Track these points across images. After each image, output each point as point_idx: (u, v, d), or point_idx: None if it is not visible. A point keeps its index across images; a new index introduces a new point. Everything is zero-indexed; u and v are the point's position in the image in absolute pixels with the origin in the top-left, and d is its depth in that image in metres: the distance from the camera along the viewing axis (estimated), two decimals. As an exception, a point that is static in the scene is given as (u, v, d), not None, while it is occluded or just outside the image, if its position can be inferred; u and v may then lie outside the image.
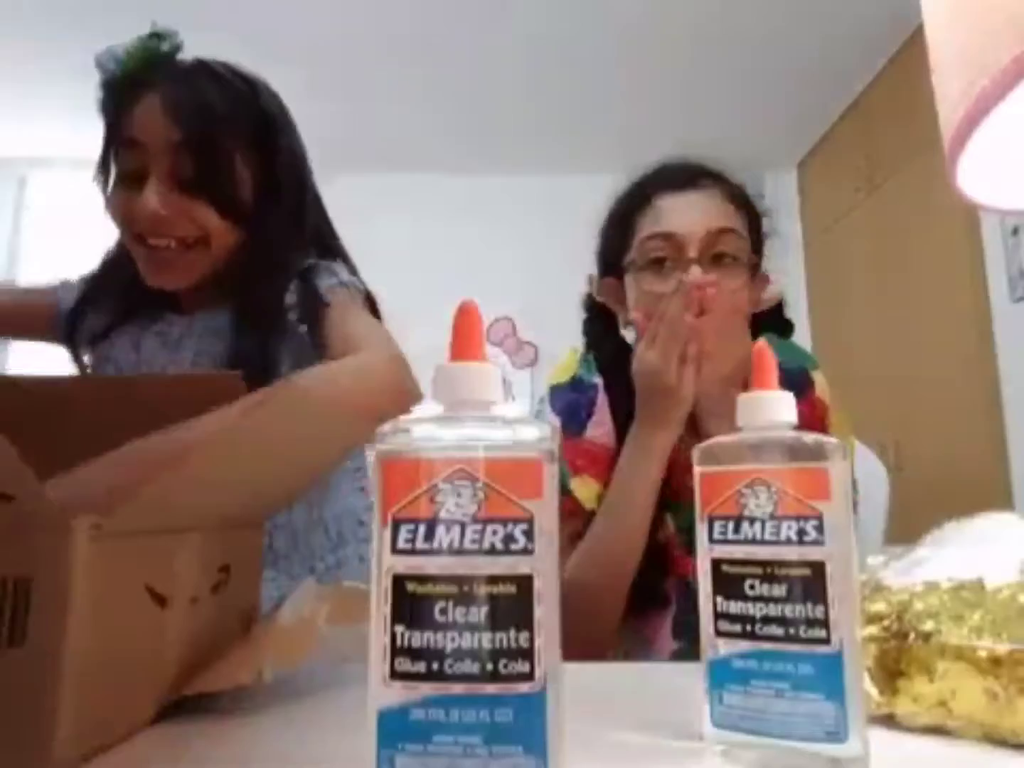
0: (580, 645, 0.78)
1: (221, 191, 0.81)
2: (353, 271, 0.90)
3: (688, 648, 0.80)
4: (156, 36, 0.84)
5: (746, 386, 0.82)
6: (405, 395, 0.72)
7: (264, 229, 0.85)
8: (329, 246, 0.93)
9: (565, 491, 0.81)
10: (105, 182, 0.85)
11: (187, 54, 0.86)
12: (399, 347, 0.78)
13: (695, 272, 0.78)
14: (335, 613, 0.49)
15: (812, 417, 0.84)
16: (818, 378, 0.89)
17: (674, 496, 0.82)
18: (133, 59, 0.83)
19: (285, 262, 0.86)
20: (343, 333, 0.78)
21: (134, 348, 0.88)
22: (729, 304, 0.79)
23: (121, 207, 0.82)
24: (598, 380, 0.89)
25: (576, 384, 0.89)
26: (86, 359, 0.91)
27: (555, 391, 0.90)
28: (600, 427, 0.85)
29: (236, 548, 0.53)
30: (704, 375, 0.76)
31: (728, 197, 0.83)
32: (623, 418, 0.83)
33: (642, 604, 0.83)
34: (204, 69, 0.84)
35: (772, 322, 0.90)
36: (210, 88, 0.82)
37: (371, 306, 0.88)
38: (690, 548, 0.81)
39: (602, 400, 0.87)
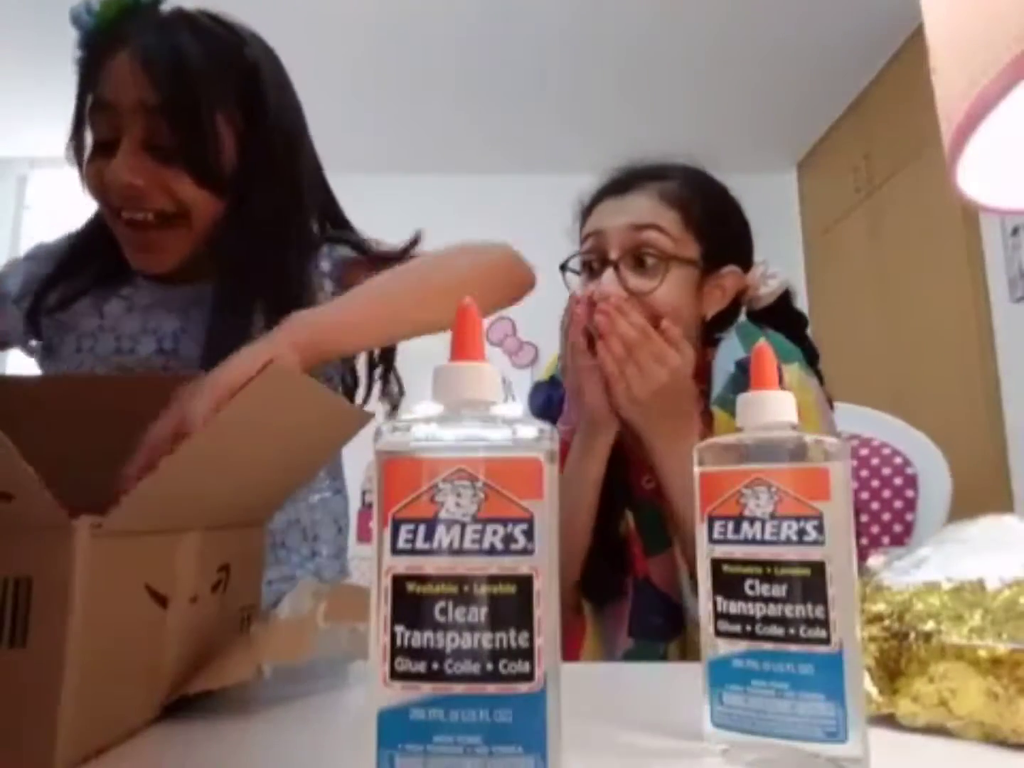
0: None
1: (198, 158, 0.72)
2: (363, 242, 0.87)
3: (639, 647, 0.80)
4: None
5: (700, 385, 0.80)
6: (524, 275, 0.75)
7: (250, 196, 0.76)
8: (337, 216, 0.88)
9: None
10: (79, 153, 0.76)
11: None
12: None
13: (605, 279, 0.80)
14: (332, 610, 0.50)
15: None
16: (790, 374, 0.81)
17: (634, 492, 0.84)
18: (110, 9, 0.73)
19: (280, 233, 0.78)
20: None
21: (96, 312, 0.80)
22: (642, 315, 0.77)
23: (94, 178, 0.74)
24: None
25: (553, 382, 0.94)
26: (43, 332, 0.83)
27: (536, 388, 0.96)
28: (566, 423, 0.87)
29: (236, 547, 0.53)
30: (620, 394, 0.76)
31: (660, 196, 0.82)
32: None
33: (601, 598, 0.84)
34: (183, 19, 0.75)
35: (778, 316, 0.88)
36: (189, 40, 0.73)
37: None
38: (646, 548, 0.83)
39: (567, 400, 0.90)
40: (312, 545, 0.87)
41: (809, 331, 0.92)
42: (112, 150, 0.72)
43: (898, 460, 1.10)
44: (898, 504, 1.06)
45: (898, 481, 1.08)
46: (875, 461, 1.10)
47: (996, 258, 2.28)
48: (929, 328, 2.52)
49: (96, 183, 0.74)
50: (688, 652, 0.79)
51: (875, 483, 1.08)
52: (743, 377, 0.75)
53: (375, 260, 0.81)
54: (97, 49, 0.74)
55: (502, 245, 0.79)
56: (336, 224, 0.88)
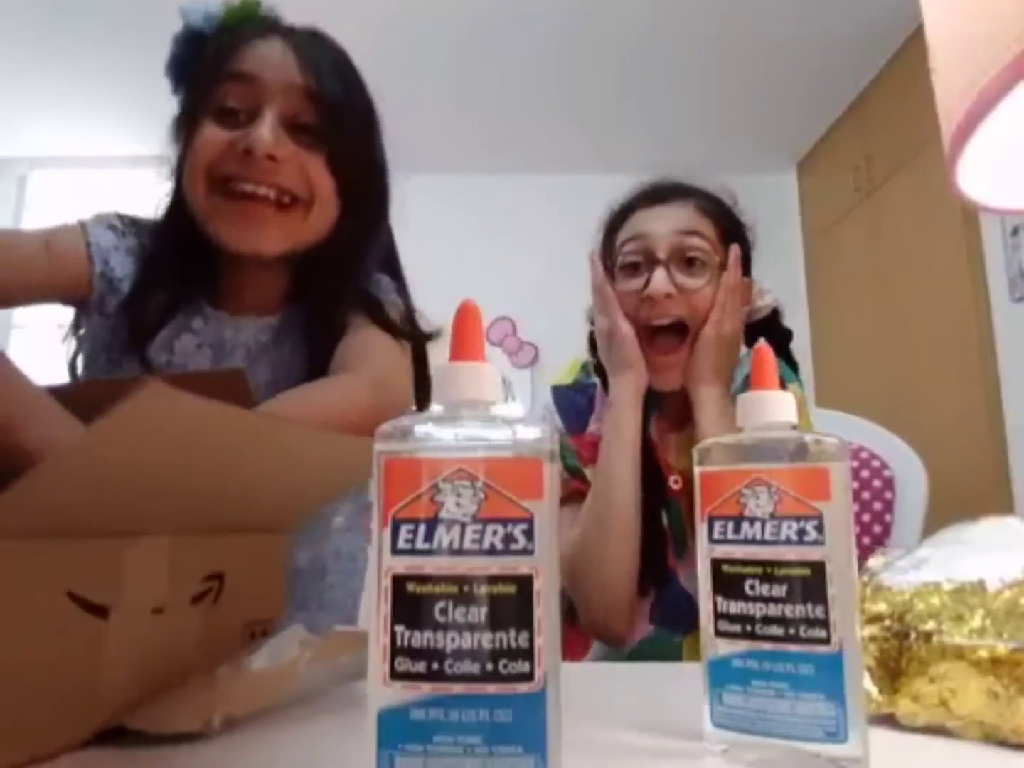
0: (599, 615, 0.80)
1: (342, 150, 0.72)
2: (402, 287, 0.86)
3: (658, 634, 0.85)
4: (251, 1, 0.76)
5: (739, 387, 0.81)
6: (378, 417, 0.68)
7: (353, 225, 0.77)
8: (390, 258, 0.88)
9: (585, 479, 0.89)
10: (184, 132, 0.74)
11: None
12: (398, 376, 0.75)
13: (657, 276, 0.85)
14: (318, 655, 0.47)
15: None
16: (796, 393, 0.88)
17: (667, 493, 0.88)
18: (234, 13, 0.74)
19: (363, 266, 0.79)
20: (348, 351, 0.74)
21: (167, 348, 0.77)
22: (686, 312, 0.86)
23: (214, 144, 0.70)
24: (595, 379, 0.97)
25: (577, 386, 0.98)
26: (112, 339, 0.78)
27: (558, 391, 0.98)
28: (598, 422, 0.92)
29: (235, 554, 0.50)
30: (712, 323, 0.84)
31: (698, 209, 0.90)
32: None
33: (658, 582, 0.87)
34: (324, 36, 0.78)
35: (768, 332, 0.93)
36: (338, 52, 0.77)
37: (411, 324, 0.82)
38: (675, 549, 0.87)
39: (600, 397, 0.94)
40: (327, 584, 0.87)
41: (808, 334, 0.96)
42: (238, 120, 0.70)
43: (876, 463, 1.13)
44: (877, 505, 1.10)
45: (877, 483, 1.12)
46: (854, 464, 1.13)
47: (996, 258, 2.28)
48: (929, 328, 2.52)
49: (216, 150, 0.70)
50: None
51: (854, 485, 1.11)
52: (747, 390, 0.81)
53: (374, 315, 0.79)
54: (237, 32, 0.73)
55: (369, 388, 0.70)
56: (386, 264, 0.88)
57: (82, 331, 0.79)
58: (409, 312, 0.84)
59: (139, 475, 0.39)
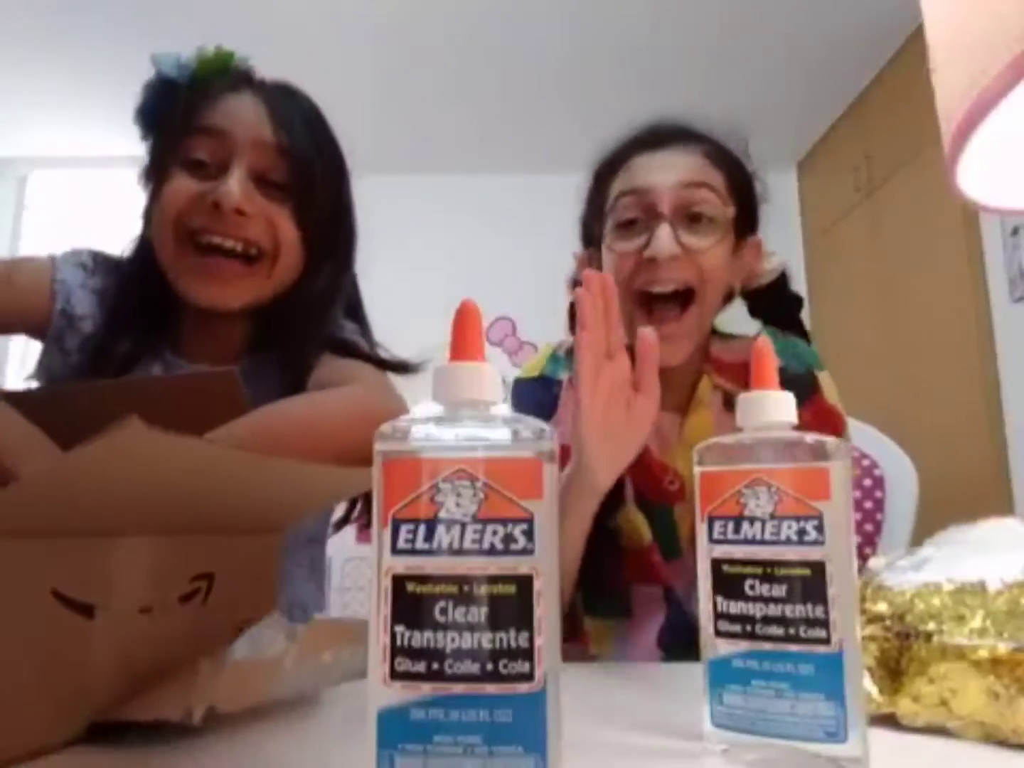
0: None
1: (309, 204, 0.73)
2: (370, 340, 0.86)
3: (667, 661, 0.77)
4: (224, 52, 0.77)
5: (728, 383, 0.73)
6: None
7: (320, 273, 0.78)
8: (356, 306, 0.88)
9: None
10: (153, 181, 0.75)
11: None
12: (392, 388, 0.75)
13: (662, 235, 0.73)
14: (304, 649, 0.45)
15: (822, 424, 0.76)
16: (824, 380, 0.81)
17: (651, 496, 0.79)
18: (206, 65, 0.75)
19: (329, 315, 0.80)
20: (329, 376, 0.73)
21: None
22: (691, 274, 0.74)
23: (182, 194, 0.70)
24: (564, 376, 0.85)
25: (542, 381, 0.87)
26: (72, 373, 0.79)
27: (520, 385, 0.88)
28: (561, 425, 0.79)
29: (226, 555, 0.50)
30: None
31: (705, 154, 0.78)
32: None
33: (608, 613, 0.80)
34: (296, 91, 0.79)
35: (775, 299, 0.85)
36: (309, 107, 0.78)
37: (379, 361, 0.82)
38: (664, 553, 0.78)
39: (566, 398, 0.83)
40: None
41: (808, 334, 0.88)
42: (206, 171, 0.71)
43: (866, 462, 1.13)
44: (868, 504, 1.10)
45: (867, 482, 1.12)
46: None
47: (996, 258, 2.28)
48: (929, 328, 2.52)
49: (184, 201, 0.71)
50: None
51: None
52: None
53: (344, 350, 0.79)
54: (208, 84, 0.74)
55: (380, 395, 0.71)
56: (352, 312, 0.88)
57: (39, 361, 0.80)
58: (375, 351, 0.84)
59: (118, 492, 0.39)
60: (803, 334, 0.86)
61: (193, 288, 0.73)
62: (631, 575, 0.80)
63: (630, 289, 0.76)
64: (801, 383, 0.77)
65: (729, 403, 0.80)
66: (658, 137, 0.81)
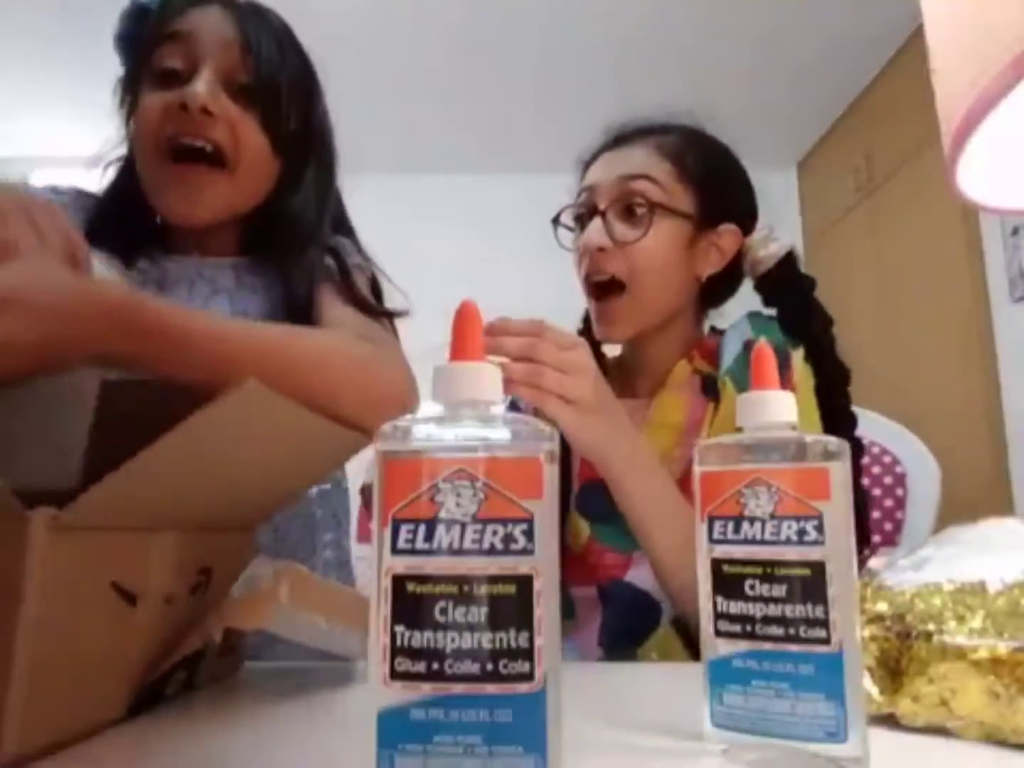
0: None
1: (274, 107, 0.73)
2: (362, 252, 0.86)
3: (611, 657, 0.77)
4: None
5: (709, 367, 0.75)
6: (411, 404, 0.66)
7: (300, 184, 0.78)
8: (342, 221, 0.88)
9: None
10: (128, 100, 0.76)
11: None
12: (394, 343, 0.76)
13: (591, 229, 0.78)
14: (295, 593, 0.47)
15: None
16: (796, 361, 0.78)
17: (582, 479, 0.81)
18: None
19: (319, 224, 0.80)
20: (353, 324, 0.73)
21: None
22: (624, 267, 0.78)
23: (155, 108, 0.71)
24: None
25: None
26: None
27: None
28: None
29: (218, 551, 0.53)
30: (557, 409, 0.63)
31: (655, 148, 0.80)
32: None
33: (566, 609, 0.80)
34: (264, 8, 0.79)
35: (784, 283, 0.84)
36: (277, 21, 0.79)
37: (375, 291, 0.83)
38: (626, 546, 0.77)
39: None
40: (312, 538, 0.86)
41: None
42: (178, 79, 0.71)
43: (887, 459, 1.11)
44: (888, 502, 1.07)
45: (888, 480, 1.09)
46: (865, 459, 1.10)
47: (996, 258, 2.28)
48: (929, 328, 2.52)
49: (157, 114, 0.71)
50: (666, 654, 0.75)
51: (865, 481, 1.09)
52: (748, 356, 0.74)
53: (344, 288, 0.78)
54: (176, 3, 0.74)
55: (394, 363, 0.68)
56: (340, 228, 0.88)
57: None
58: (375, 278, 0.84)
59: (190, 474, 0.43)
60: (819, 314, 0.84)
61: (166, 202, 0.74)
62: (572, 577, 0.80)
63: (583, 285, 0.83)
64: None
65: (706, 387, 0.81)
66: (618, 137, 0.85)
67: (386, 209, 3.54)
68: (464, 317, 0.33)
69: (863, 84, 2.91)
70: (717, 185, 0.83)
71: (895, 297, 2.73)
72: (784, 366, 0.77)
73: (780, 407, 0.40)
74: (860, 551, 0.79)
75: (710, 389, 0.80)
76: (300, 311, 0.74)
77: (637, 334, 0.84)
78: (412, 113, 3.13)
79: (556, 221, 0.87)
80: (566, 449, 0.76)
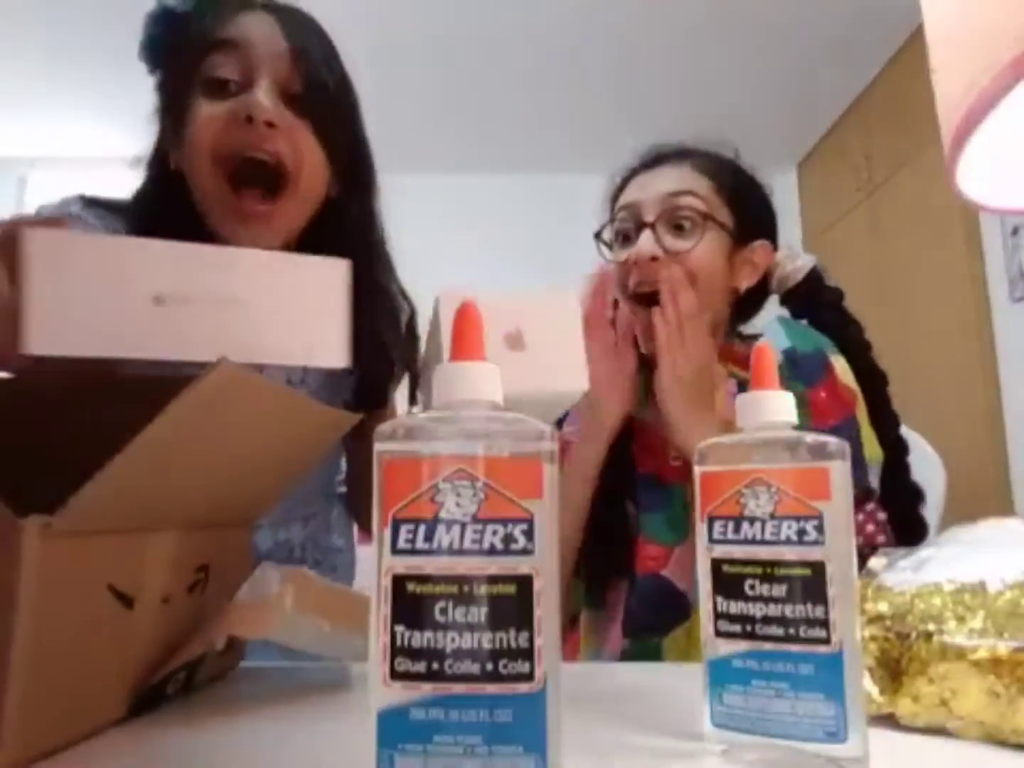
0: None
1: (327, 116, 0.72)
2: (397, 281, 0.85)
3: (636, 646, 0.79)
4: None
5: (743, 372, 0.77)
6: None
7: (351, 191, 0.77)
8: (382, 248, 0.86)
9: None
10: (173, 112, 0.73)
11: None
12: None
13: (642, 240, 0.81)
14: (300, 599, 0.48)
15: (837, 405, 0.79)
16: (839, 362, 0.83)
17: (665, 478, 0.83)
18: None
19: (372, 237, 0.80)
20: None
21: None
22: (682, 304, 0.79)
23: (215, 119, 0.68)
24: None
25: None
26: None
27: None
28: (572, 425, 0.86)
29: (216, 548, 0.53)
30: (665, 368, 0.77)
31: (693, 166, 0.85)
32: None
33: (604, 585, 0.83)
34: (303, 11, 0.77)
35: (810, 295, 0.88)
36: (317, 25, 0.77)
37: (410, 328, 0.84)
38: (667, 539, 0.80)
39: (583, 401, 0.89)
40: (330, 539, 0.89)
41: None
42: (228, 90, 0.69)
43: None
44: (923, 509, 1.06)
45: None
46: None
47: (996, 258, 2.28)
48: (929, 328, 2.52)
49: (216, 124, 0.68)
50: (694, 644, 0.77)
51: None
52: (789, 366, 0.78)
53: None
54: (218, 4, 0.72)
55: None
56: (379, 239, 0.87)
57: None
58: (412, 316, 0.86)
59: (178, 467, 0.43)
60: (850, 322, 0.89)
61: (227, 232, 0.72)
62: (631, 567, 0.82)
63: (626, 291, 0.84)
64: (813, 362, 0.82)
65: (742, 389, 0.82)
66: (653, 158, 0.89)
67: (386, 209, 3.55)
68: (464, 317, 0.33)
69: (863, 84, 2.91)
70: (750, 203, 0.87)
71: (895, 297, 2.73)
72: (825, 370, 0.82)
73: (780, 407, 0.40)
74: (918, 539, 0.80)
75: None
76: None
77: None
78: (412, 113, 3.12)
79: (598, 237, 0.90)
80: (627, 440, 0.83)
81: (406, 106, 3.07)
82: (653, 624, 0.79)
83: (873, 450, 0.80)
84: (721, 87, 2.96)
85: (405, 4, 2.50)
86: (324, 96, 0.72)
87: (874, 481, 0.79)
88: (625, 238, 0.86)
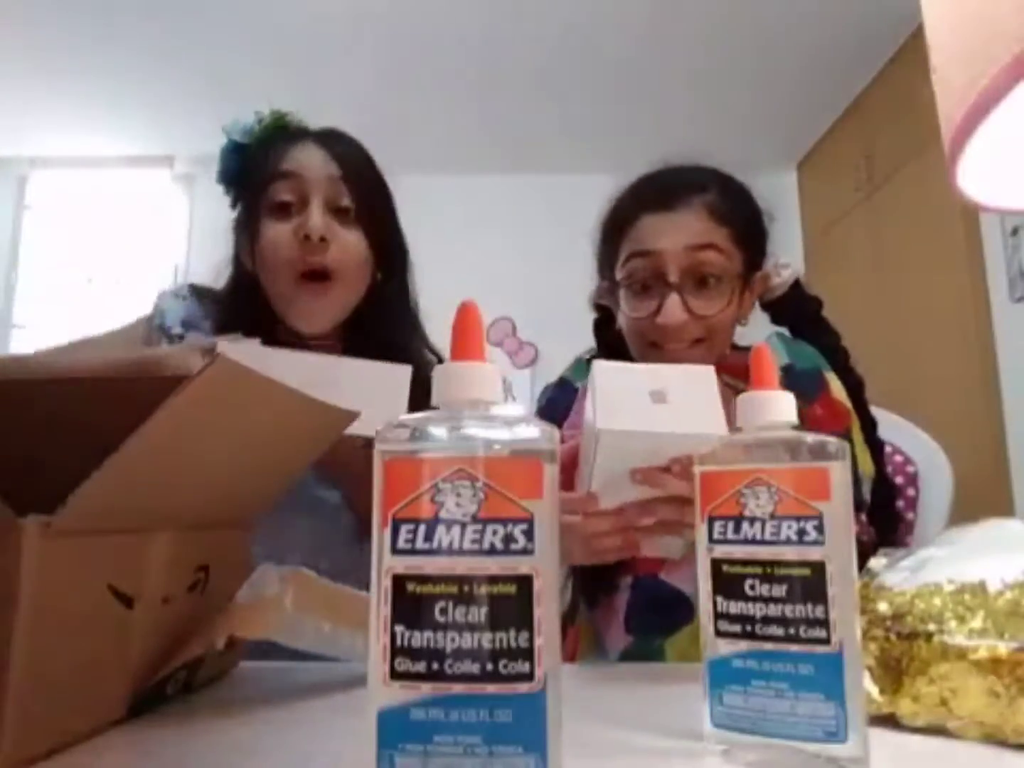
0: None
1: (372, 221, 0.88)
2: (432, 350, 0.95)
3: (638, 645, 0.80)
4: (279, 113, 0.94)
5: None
6: None
7: (390, 284, 0.92)
8: (414, 314, 0.98)
9: None
10: (247, 227, 0.89)
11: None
12: None
13: (671, 306, 0.78)
14: (300, 599, 0.48)
15: (832, 421, 0.81)
16: (832, 380, 0.85)
17: None
18: (267, 126, 0.92)
19: (410, 316, 0.94)
20: None
21: None
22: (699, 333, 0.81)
23: (281, 236, 0.85)
24: (581, 383, 0.92)
25: (561, 385, 0.95)
26: None
27: (544, 389, 0.98)
28: (572, 428, 0.84)
29: (216, 548, 0.53)
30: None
31: (710, 212, 0.82)
32: None
33: (595, 597, 0.84)
34: (343, 133, 0.94)
35: (792, 304, 0.90)
36: (356, 144, 0.94)
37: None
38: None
39: (579, 399, 0.89)
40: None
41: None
42: (289, 211, 0.86)
43: (899, 458, 1.09)
44: (900, 503, 1.06)
45: (899, 479, 1.07)
46: None
47: (996, 258, 2.28)
48: (929, 328, 2.52)
49: (283, 240, 0.85)
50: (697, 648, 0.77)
51: None
52: (787, 382, 0.77)
53: None
54: (275, 139, 0.90)
55: None
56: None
57: None
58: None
59: (177, 466, 0.43)
60: (828, 331, 0.91)
61: (293, 317, 0.87)
62: (629, 565, 0.82)
63: (645, 343, 0.84)
64: (811, 378, 0.84)
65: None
66: (664, 197, 0.84)
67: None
68: (464, 317, 0.33)
69: (863, 84, 2.91)
70: (755, 239, 0.87)
71: (895, 297, 2.73)
72: (821, 387, 0.84)
73: (780, 407, 0.40)
74: (893, 531, 0.82)
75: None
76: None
77: None
78: (412, 113, 3.12)
79: (601, 265, 0.90)
80: None
81: (416, 106, 3.07)
82: (655, 624, 0.80)
83: (867, 465, 0.83)
84: (721, 87, 2.96)
85: (415, 7, 2.50)
86: (368, 206, 0.89)
87: (866, 495, 0.82)
88: (643, 288, 0.82)
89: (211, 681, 0.54)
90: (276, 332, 0.89)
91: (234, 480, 0.52)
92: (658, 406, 0.53)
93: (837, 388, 0.85)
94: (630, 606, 0.82)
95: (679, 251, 0.80)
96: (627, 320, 0.85)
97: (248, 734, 0.43)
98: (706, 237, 0.81)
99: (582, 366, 0.95)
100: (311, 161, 0.87)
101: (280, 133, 0.92)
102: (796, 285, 0.90)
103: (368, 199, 0.89)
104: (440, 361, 0.89)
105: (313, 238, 0.83)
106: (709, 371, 0.57)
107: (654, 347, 0.82)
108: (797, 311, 0.91)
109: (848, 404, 0.85)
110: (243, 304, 0.90)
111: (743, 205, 0.87)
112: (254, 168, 0.89)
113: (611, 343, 0.93)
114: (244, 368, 0.41)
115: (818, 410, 0.81)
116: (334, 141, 0.90)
